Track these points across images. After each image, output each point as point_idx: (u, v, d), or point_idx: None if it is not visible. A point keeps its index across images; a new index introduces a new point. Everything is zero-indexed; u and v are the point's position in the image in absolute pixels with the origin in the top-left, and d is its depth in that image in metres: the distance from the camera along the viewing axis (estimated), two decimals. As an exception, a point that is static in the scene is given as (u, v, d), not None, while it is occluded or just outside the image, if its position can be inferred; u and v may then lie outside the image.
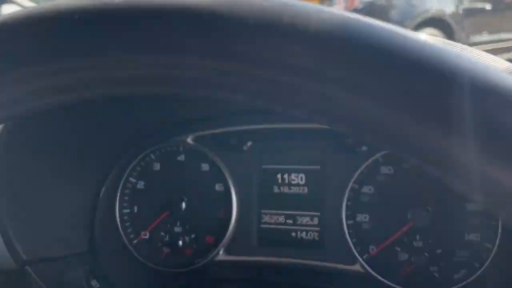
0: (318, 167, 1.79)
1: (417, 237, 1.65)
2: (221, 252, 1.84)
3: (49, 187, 1.69)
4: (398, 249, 1.67)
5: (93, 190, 1.95)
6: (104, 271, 1.81)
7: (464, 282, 1.58)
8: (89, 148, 1.81)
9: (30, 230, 1.61)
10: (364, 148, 1.74)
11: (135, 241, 1.96)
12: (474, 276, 1.57)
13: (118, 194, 1.99)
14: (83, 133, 1.73)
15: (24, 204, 1.58)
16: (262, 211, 1.84)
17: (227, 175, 1.87)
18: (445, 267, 1.61)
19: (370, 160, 1.72)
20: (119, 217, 1.98)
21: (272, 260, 1.79)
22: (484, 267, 1.56)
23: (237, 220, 1.84)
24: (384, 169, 1.71)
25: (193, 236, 1.90)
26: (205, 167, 1.93)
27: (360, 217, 1.72)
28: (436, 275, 1.62)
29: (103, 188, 1.97)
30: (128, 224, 1.98)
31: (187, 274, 1.86)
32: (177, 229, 1.92)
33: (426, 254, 1.62)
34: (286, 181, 1.84)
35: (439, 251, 1.62)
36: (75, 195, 1.84)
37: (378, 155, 1.71)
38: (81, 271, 1.72)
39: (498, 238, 1.55)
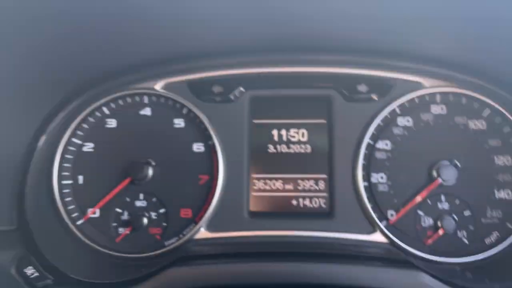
0: (324, 120, 1.48)
1: (442, 198, 1.41)
2: (202, 229, 1.42)
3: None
4: (421, 213, 1.41)
5: (23, 146, 1.41)
6: (44, 257, 1.28)
7: (497, 248, 1.37)
8: (23, 84, 1.29)
9: None
10: (377, 96, 1.47)
11: (80, 221, 1.45)
12: (508, 240, 1.37)
13: (57, 160, 1.47)
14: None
15: None
16: (254, 175, 1.47)
17: (209, 132, 1.47)
18: (474, 231, 1.39)
19: (386, 111, 1.45)
20: (58, 190, 1.46)
21: (267, 235, 1.41)
22: (520, 227, 1.37)
23: (223, 188, 1.44)
24: (402, 121, 1.46)
25: (162, 211, 1.46)
26: (179, 122, 1.50)
27: (375, 178, 1.43)
28: (466, 240, 1.39)
29: (37, 150, 1.44)
30: (70, 199, 1.46)
31: (155, 259, 1.40)
32: (140, 203, 1.47)
33: (454, 216, 1.39)
34: (284, 138, 1.49)
35: (467, 213, 1.39)
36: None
37: (394, 104, 1.46)
38: (9, 255, 1.18)
39: None
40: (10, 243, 1.25)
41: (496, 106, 1.43)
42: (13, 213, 1.31)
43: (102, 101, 1.51)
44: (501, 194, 1.40)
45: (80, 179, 1.48)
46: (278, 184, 1.47)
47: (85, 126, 1.51)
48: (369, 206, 1.40)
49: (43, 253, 1.28)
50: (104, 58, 1.44)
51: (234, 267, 1.16)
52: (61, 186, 1.46)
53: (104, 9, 1.21)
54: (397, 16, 1.27)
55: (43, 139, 1.44)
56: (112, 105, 1.52)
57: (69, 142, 1.49)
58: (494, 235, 1.38)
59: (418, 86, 1.46)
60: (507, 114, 1.42)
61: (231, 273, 1.14)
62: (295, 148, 1.49)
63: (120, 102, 1.52)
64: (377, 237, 1.39)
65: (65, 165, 1.48)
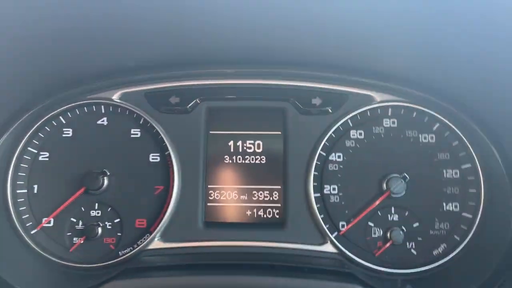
0: (279, 132, 1.50)
1: (392, 210, 1.44)
2: (156, 239, 1.43)
3: None
4: (372, 224, 1.44)
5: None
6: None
7: (445, 259, 1.40)
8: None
9: None
10: (330, 109, 1.50)
11: (34, 231, 1.45)
12: (455, 252, 1.40)
13: (11, 169, 1.47)
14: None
15: None
16: (210, 186, 1.49)
17: (166, 142, 1.48)
18: (423, 242, 1.42)
19: (339, 123, 1.48)
20: (12, 199, 1.46)
21: (221, 245, 1.43)
22: (466, 241, 1.40)
23: (177, 199, 1.45)
24: (354, 133, 1.49)
25: (116, 220, 1.46)
26: (135, 133, 1.51)
27: (328, 189, 1.46)
28: (414, 252, 1.42)
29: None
30: (24, 208, 1.46)
31: (107, 269, 1.40)
32: (94, 212, 1.47)
33: (403, 228, 1.42)
34: (240, 149, 1.51)
35: (416, 224, 1.42)
36: None
37: (348, 117, 1.48)
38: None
39: (480, 208, 1.41)
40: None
41: (445, 120, 1.46)
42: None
43: (59, 110, 1.51)
44: (449, 207, 1.43)
45: (35, 188, 1.47)
46: (233, 195, 1.49)
47: (41, 135, 1.51)
48: (320, 217, 1.42)
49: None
50: (61, 67, 1.45)
51: (178, 280, 1.17)
52: (15, 195, 1.46)
53: (62, 20, 1.22)
54: (351, 32, 1.30)
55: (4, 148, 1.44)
56: (69, 114, 1.52)
57: (24, 151, 1.49)
58: (442, 247, 1.42)
59: (370, 99, 1.49)
60: (455, 128, 1.46)
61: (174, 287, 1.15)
62: (250, 159, 1.50)
63: (77, 111, 1.53)
64: (328, 247, 1.41)
65: (20, 174, 1.48)
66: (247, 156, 1.50)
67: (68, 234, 1.46)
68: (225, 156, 1.50)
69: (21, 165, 1.48)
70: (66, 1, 1.16)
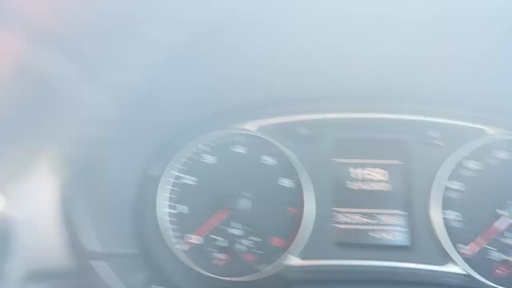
0: (399, 161, 1.67)
1: (510, 234, 1.58)
2: (294, 257, 1.60)
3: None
4: (491, 247, 1.57)
5: (135, 183, 1.63)
6: (163, 280, 1.48)
7: None
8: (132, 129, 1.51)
9: (90, 219, 1.27)
10: (446, 141, 1.66)
11: (186, 247, 1.65)
12: None
13: (167, 192, 1.69)
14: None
15: (88, 192, 1.26)
16: (337, 209, 1.66)
17: (296, 169, 1.66)
18: (543, 264, 1.54)
19: (455, 154, 1.64)
20: (164, 218, 1.67)
21: (353, 264, 1.59)
22: None
23: (310, 220, 1.63)
24: (470, 164, 1.64)
25: (256, 239, 1.65)
26: (269, 160, 1.71)
27: (448, 215, 1.61)
28: (536, 273, 1.54)
29: (147, 184, 1.66)
30: (177, 227, 1.67)
31: (250, 282, 1.59)
32: (236, 231, 1.66)
33: (523, 251, 1.55)
34: (363, 176, 1.68)
35: (536, 248, 1.55)
36: (121, 179, 1.51)
37: (462, 148, 1.64)
38: (140, 277, 1.38)
39: None
40: (140, 267, 1.45)
41: (556, 153, 1.61)
42: (133, 240, 1.52)
43: (204, 139, 1.73)
44: None
45: (185, 209, 1.68)
46: (359, 218, 1.65)
47: (189, 162, 1.72)
48: (442, 240, 1.57)
49: (167, 276, 1.48)
50: (206, 102, 1.67)
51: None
52: (169, 215, 1.67)
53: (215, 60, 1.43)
54: (464, 72, 1.48)
55: (148, 176, 1.66)
56: (212, 143, 1.74)
57: (177, 177, 1.70)
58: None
59: (482, 133, 1.65)
60: None
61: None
62: (373, 186, 1.67)
63: (219, 141, 1.74)
64: (450, 268, 1.56)
65: (172, 196, 1.69)
66: (370, 183, 1.68)
67: (213, 250, 1.65)
68: (351, 183, 1.68)
69: (173, 188, 1.69)
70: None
